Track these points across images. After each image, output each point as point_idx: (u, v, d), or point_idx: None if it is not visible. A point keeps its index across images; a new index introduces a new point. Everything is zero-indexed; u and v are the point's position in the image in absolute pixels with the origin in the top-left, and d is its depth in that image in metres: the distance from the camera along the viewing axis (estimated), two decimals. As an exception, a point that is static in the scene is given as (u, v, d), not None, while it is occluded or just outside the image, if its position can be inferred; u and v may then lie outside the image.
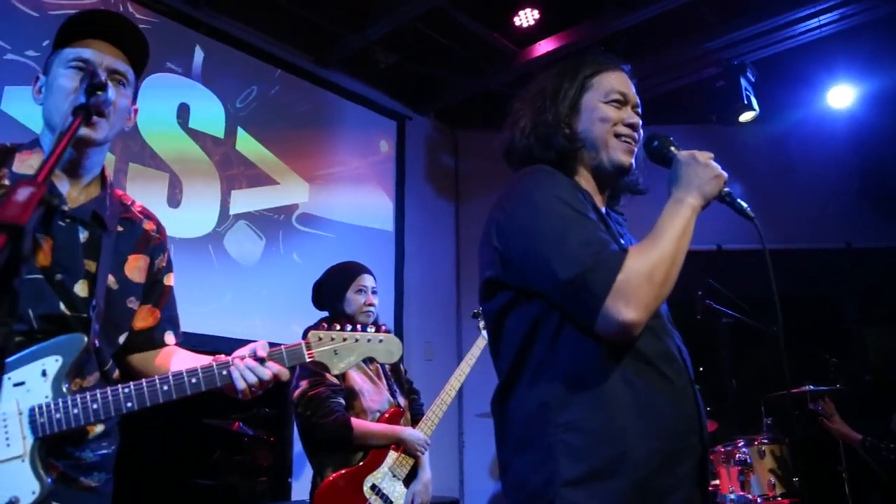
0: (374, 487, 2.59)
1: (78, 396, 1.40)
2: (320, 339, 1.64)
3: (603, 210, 1.52)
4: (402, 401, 2.84)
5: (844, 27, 4.25)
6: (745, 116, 4.57)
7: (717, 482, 3.45)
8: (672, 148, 1.46)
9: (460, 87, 5.00)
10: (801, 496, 3.34)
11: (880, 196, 5.07)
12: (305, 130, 4.45)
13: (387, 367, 2.88)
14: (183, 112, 3.77)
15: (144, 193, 3.51)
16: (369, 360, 2.83)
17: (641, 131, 1.53)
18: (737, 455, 3.32)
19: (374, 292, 2.86)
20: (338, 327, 1.69)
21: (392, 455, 2.68)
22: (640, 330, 1.24)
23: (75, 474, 1.45)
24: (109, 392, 1.42)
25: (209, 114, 3.90)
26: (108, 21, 1.53)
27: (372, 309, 2.82)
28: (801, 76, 4.79)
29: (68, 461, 1.44)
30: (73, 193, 1.52)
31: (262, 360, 1.51)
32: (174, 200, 3.65)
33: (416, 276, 4.94)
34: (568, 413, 1.28)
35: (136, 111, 1.64)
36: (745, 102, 4.47)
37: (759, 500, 3.25)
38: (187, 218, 3.72)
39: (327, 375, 2.60)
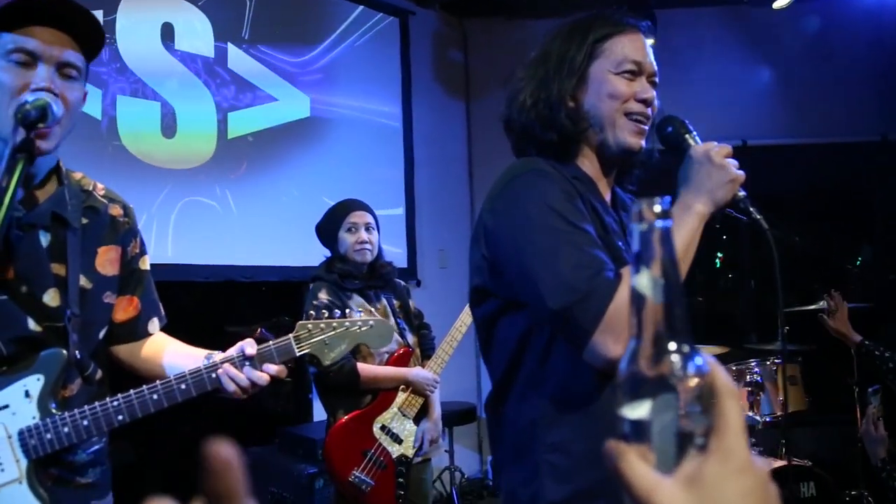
0: (383, 428, 2.66)
1: (67, 415, 1.39)
2: (309, 330, 1.61)
3: (608, 197, 1.42)
4: (410, 339, 2.85)
5: None
6: (780, 2, 4.17)
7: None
8: (687, 137, 1.31)
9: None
10: (810, 413, 3.37)
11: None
12: (300, 39, 4.18)
13: (395, 304, 2.86)
14: (168, 32, 3.54)
15: (136, 127, 3.38)
16: (375, 299, 2.84)
17: (657, 103, 1.37)
18: (748, 376, 3.32)
19: (368, 228, 2.77)
20: (326, 315, 1.65)
21: (401, 395, 2.72)
22: None
23: (71, 476, 1.46)
24: (99, 407, 1.40)
25: (196, 31, 3.66)
26: (54, 5, 1.34)
27: (367, 246, 2.75)
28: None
29: (63, 466, 1.44)
30: (27, 197, 1.42)
31: (251, 359, 1.49)
32: (169, 130, 3.51)
33: (426, 182, 4.83)
34: (555, 433, 1.26)
35: (85, 95, 1.48)
36: (781, -14, 4.06)
37: (767, 420, 3.29)
38: (184, 147, 3.60)
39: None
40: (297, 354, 1.56)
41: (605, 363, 1.15)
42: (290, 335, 1.56)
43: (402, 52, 4.72)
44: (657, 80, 1.38)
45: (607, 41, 1.35)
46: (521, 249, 1.22)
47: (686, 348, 0.45)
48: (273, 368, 1.48)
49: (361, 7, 4.48)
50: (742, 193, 1.24)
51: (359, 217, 2.78)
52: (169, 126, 3.53)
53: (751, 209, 1.26)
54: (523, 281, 1.22)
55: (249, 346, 1.49)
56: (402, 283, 2.97)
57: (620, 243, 1.33)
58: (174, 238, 3.53)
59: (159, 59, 3.51)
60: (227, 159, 3.78)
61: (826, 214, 5.11)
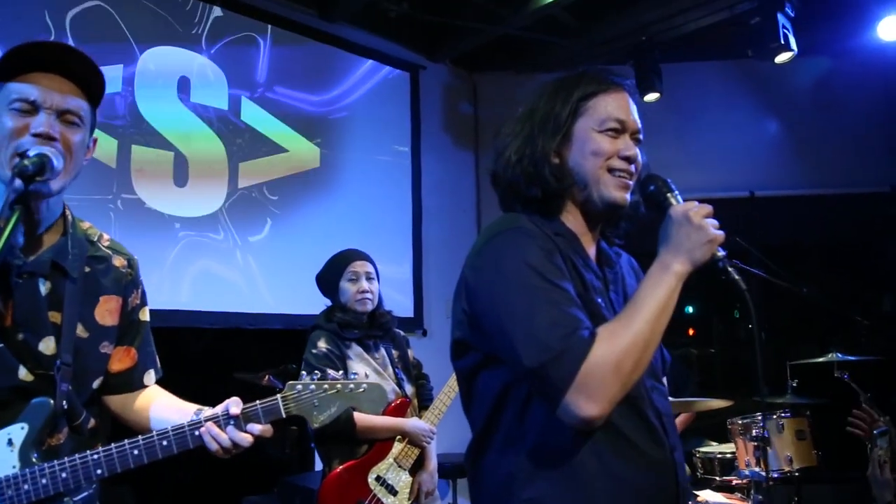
0: (378, 479, 2.64)
1: (46, 466, 1.39)
2: (299, 391, 1.59)
3: (592, 252, 1.42)
4: (409, 389, 2.84)
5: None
6: (782, 58, 4.21)
7: (735, 450, 3.41)
8: (669, 196, 1.32)
9: (476, 33, 4.74)
10: (820, 468, 3.28)
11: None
12: (311, 92, 4.31)
13: (394, 354, 2.87)
14: (184, 86, 3.68)
15: (150, 176, 3.49)
16: (374, 348, 2.85)
17: (641, 160, 1.39)
18: (753, 430, 3.25)
19: (369, 278, 2.81)
20: (318, 375, 1.65)
21: (397, 446, 2.71)
22: (603, 421, 1.18)
23: None
24: (78, 460, 1.40)
25: (210, 83, 3.80)
26: (56, 53, 1.41)
27: (367, 296, 2.78)
28: (849, 6, 4.37)
29: None
30: (30, 244, 1.45)
31: (235, 419, 1.48)
32: (181, 179, 3.62)
33: (435, 232, 4.88)
34: (532, 488, 1.25)
35: (95, 141, 1.54)
36: (783, 42, 4.10)
37: (774, 476, 3.21)
38: (196, 196, 3.70)
39: (329, 370, 2.60)
40: (284, 416, 1.55)
41: (577, 422, 1.16)
42: (279, 395, 1.55)
43: (412, 105, 4.83)
44: (641, 137, 1.40)
45: (591, 99, 1.38)
46: (498, 306, 1.24)
47: None
48: (257, 428, 1.46)
49: (372, 61, 4.61)
50: (721, 253, 1.25)
51: (360, 266, 2.81)
52: (181, 175, 3.64)
53: (729, 269, 1.26)
54: (500, 337, 1.23)
55: (235, 405, 1.47)
56: (402, 332, 2.98)
57: (600, 300, 1.34)
58: (180, 284, 3.59)
59: (174, 111, 3.64)
60: (236, 209, 3.87)
61: (835, 266, 5.06)
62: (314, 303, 2.97)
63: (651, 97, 4.68)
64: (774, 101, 5.06)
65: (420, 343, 4.48)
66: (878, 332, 4.09)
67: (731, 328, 5.27)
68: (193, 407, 1.57)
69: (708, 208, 1.26)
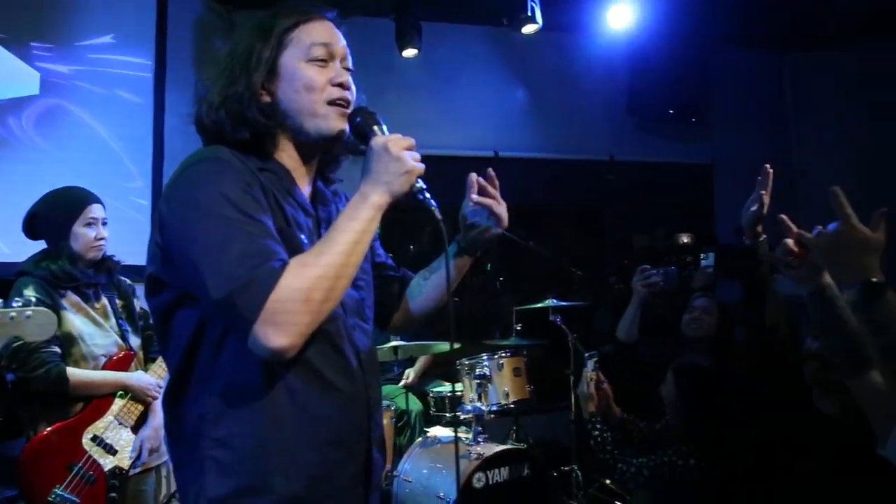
0: (95, 438, 2.47)
1: None
2: None
3: (307, 190, 1.42)
4: (134, 342, 2.68)
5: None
6: (528, 29, 4.56)
7: (462, 391, 3.76)
8: (375, 128, 1.32)
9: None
10: (531, 401, 3.75)
11: (643, 115, 5.47)
12: (36, 9, 3.76)
13: (117, 303, 2.68)
14: None
15: None
16: (94, 297, 2.63)
17: (354, 88, 1.38)
18: (477, 369, 3.61)
19: (104, 224, 2.60)
20: None
21: (118, 403, 2.56)
22: (294, 352, 1.18)
23: None
24: None
25: None
26: None
27: (103, 243, 2.58)
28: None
29: None
30: None
31: None
32: None
33: (181, 175, 4.57)
34: (221, 428, 1.24)
35: None
36: (530, 14, 4.43)
37: (493, 408, 3.60)
38: None
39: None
40: None
41: (267, 353, 1.15)
42: None
43: (157, 39, 4.41)
44: (350, 65, 1.39)
45: (294, 30, 1.35)
46: (189, 238, 1.19)
47: None
48: None
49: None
50: (420, 184, 1.28)
51: (98, 211, 2.58)
52: None
53: (428, 199, 1.29)
54: (190, 271, 1.18)
55: None
56: (128, 281, 2.78)
57: (304, 237, 1.33)
58: None
59: None
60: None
61: (566, 223, 5.73)
62: (28, 247, 2.65)
63: (409, 53, 4.82)
64: (523, 70, 5.49)
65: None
66: (590, 281, 4.71)
67: (484, 281, 5.74)
68: None
69: (409, 141, 1.28)
